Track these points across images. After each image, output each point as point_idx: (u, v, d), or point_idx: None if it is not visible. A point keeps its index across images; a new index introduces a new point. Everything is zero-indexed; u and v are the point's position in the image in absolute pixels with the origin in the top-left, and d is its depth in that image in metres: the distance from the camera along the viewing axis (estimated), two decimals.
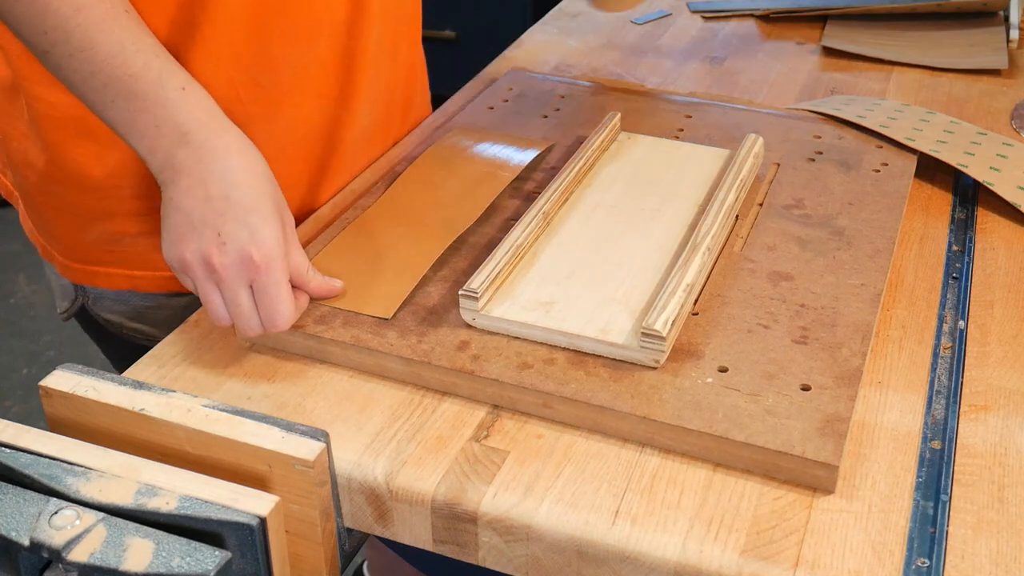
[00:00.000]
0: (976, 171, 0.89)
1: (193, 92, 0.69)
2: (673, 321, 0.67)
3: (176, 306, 0.86)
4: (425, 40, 1.01)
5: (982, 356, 0.71)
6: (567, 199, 0.83)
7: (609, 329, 0.68)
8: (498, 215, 0.83)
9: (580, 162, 0.86)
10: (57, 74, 0.69)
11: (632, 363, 0.67)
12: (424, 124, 1.01)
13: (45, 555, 0.50)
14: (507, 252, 0.73)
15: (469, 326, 0.70)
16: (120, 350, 0.91)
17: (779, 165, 0.90)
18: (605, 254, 0.76)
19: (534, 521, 0.59)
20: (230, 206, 0.66)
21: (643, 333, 0.66)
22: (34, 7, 0.66)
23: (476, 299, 0.69)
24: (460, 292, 0.69)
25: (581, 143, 0.91)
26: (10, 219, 2.65)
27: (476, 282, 0.70)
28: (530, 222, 0.77)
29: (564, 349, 0.68)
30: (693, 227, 0.79)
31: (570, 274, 0.74)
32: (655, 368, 0.66)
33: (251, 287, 0.66)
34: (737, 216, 0.82)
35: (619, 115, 0.94)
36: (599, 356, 0.67)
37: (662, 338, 0.65)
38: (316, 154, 0.87)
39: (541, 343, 0.68)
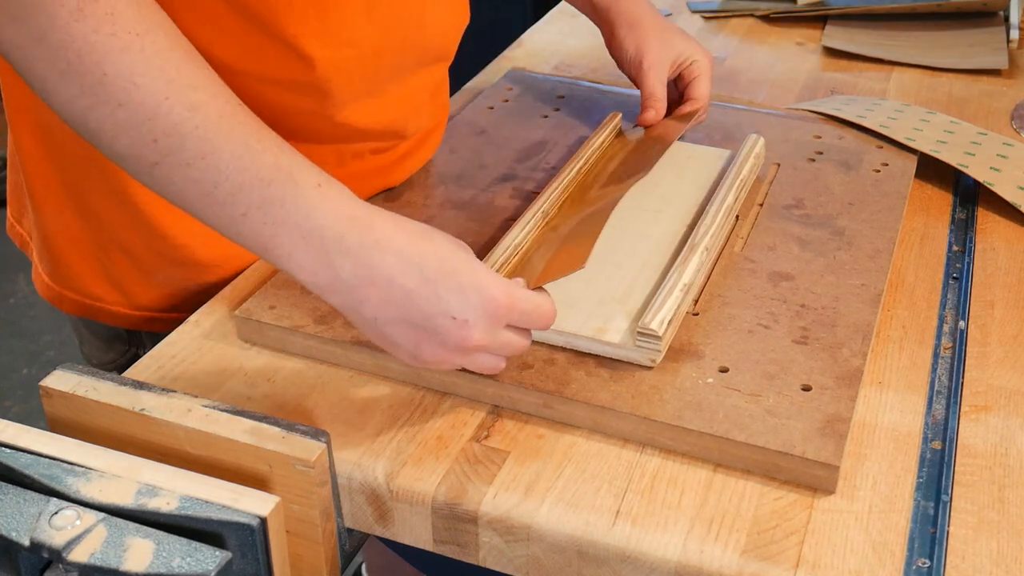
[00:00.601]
0: (976, 171, 0.89)
1: (329, 187, 0.60)
2: (669, 321, 0.67)
3: None
4: None
5: (982, 356, 0.71)
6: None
7: (606, 328, 0.68)
8: (497, 215, 0.83)
9: (580, 162, 0.86)
10: (167, 190, 0.59)
11: (629, 363, 0.66)
12: None
13: (45, 555, 0.50)
14: (505, 251, 0.73)
15: None
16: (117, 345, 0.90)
17: (779, 165, 0.90)
18: (605, 254, 0.76)
19: (534, 521, 0.59)
20: (437, 288, 0.59)
21: (639, 332, 0.66)
22: (141, 112, 0.56)
23: None
24: None
25: (582, 143, 0.91)
26: None
27: None
28: (529, 221, 0.77)
29: (563, 349, 0.68)
30: (693, 227, 0.79)
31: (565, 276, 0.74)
32: (652, 368, 0.66)
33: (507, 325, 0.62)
34: (737, 216, 0.82)
35: (620, 115, 0.94)
36: (597, 356, 0.67)
37: (658, 337, 0.65)
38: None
39: (540, 343, 0.68)
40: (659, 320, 0.66)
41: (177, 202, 0.59)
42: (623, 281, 0.73)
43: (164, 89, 0.56)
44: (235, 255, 0.79)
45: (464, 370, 0.65)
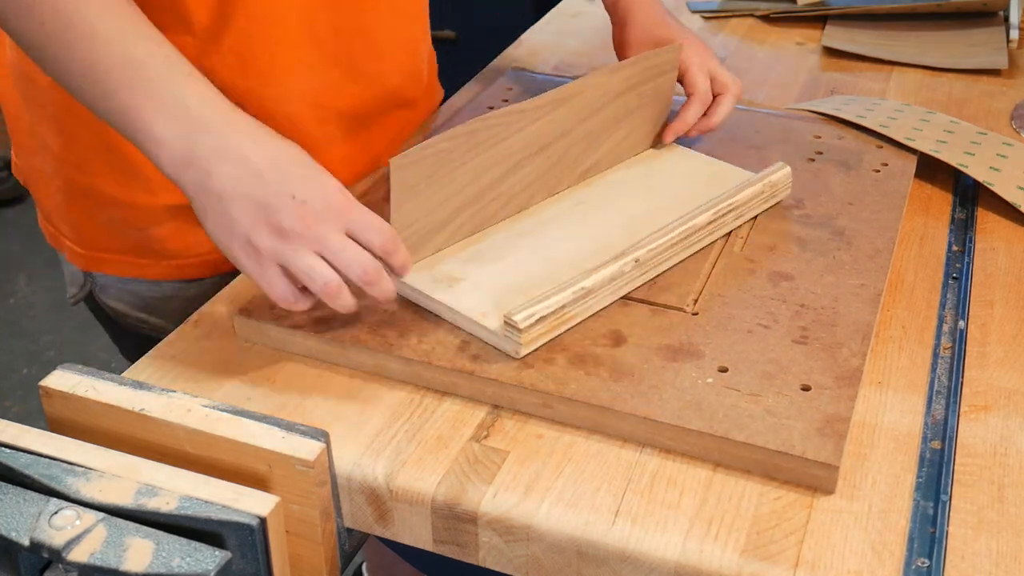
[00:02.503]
0: (976, 171, 0.89)
1: (198, 77, 0.66)
2: (542, 317, 0.67)
3: (184, 297, 0.86)
4: None
5: (982, 356, 0.71)
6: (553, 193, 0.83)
7: (490, 314, 0.69)
8: None
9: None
10: (54, 70, 0.66)
11: (504, 352, 0.67)
12: (424, 124, 1.01)
13: (45, 555, 0.50)
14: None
15: None
16: (127, 339, 0.91)
17: None
18: (544, 247, 0.77)
19: (534, 521, 0.59)
20: (286, 172, 0.64)
21: (504, 322, 0.66)
22: None
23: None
24: None
25: None
26: (10, 219, 2.65)
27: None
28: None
29: (563, 349, 0.68)
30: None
31: (497, 259, 0.75)
32: (518, 358, 0.67)
33: (344, 232, 0.65)
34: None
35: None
36: (597, 356, 0.67)
37: (519, 330, 0.66)
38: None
39: (451, 324, 0.70)
40: (526, 314, 0.66)
41: (64, 83, 0.66)
42: (542, 274, 0.73)
43: None
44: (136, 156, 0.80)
45: (422, 361, 0.66)
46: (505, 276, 0.73)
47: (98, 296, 0.89)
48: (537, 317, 0.66)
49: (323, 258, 0.64)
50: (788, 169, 0.84)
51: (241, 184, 0.64)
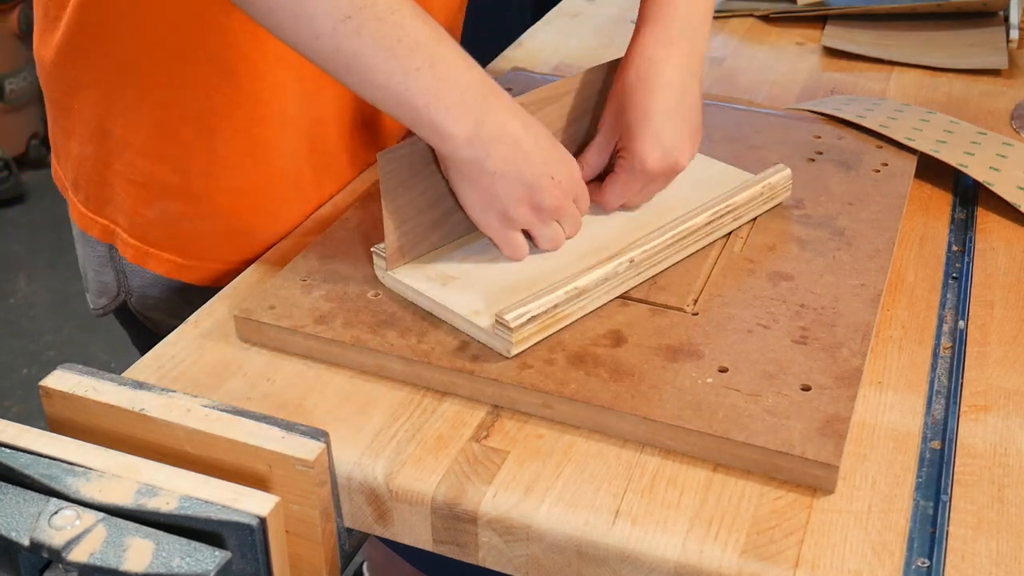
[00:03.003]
0: (976, 171, 0.89)
1: (470, 58, 0.70)
2: (534, 316, 0.67)
3: None
4: None
5: (982, 356, 0.71)
6: None
7: (483, 313, 0.69)
8: None
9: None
10: (347, 47, 0.65)
11: (496, 351, 0.68)
12: None
13: (45, 555, 0.50)
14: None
15: None
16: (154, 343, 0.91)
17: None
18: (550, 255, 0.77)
19: (534, 521, 0.59)
20: (546, 154, 0.71)
21: (496, 321, 0.66)
22: None
23: (382, 258, 0.73)
24: (372, 248, 0.73)
25: None
26: (10, 219, 2.65)
27: (384, 247, 0.73)
28: None
29: (563, 348, 0.68)
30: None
31: (492, 258, 0.75)
32: (510, 357, 0.67)
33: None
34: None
35: None
36: (597, 355, 0.67)
37: (510, 329, 0.66)
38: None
39: (436, 317, 0.71)
40: (517, 313, 0.66)
41: (345, 62, 0.65)
42: (537, 273, 0.73)
43: None
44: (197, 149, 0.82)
45: (422, 361, 0.66)
46: (499, 275, 0.73)
47: (133, 306, 0.89)
48: (528, 316, 0.67)
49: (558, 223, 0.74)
50: (788, 171, 0.83)
51: (512, 165, 0.70)
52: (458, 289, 0.72)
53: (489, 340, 0.68)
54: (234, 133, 0.80)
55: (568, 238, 0.76)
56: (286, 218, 0.85)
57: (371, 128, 0.92)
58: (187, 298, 0.86)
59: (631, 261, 0.73)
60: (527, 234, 0.75)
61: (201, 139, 0.80)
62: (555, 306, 0.68)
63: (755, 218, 0.82)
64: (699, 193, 0.82)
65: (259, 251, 0.84)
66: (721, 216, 0.79)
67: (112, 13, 0.77)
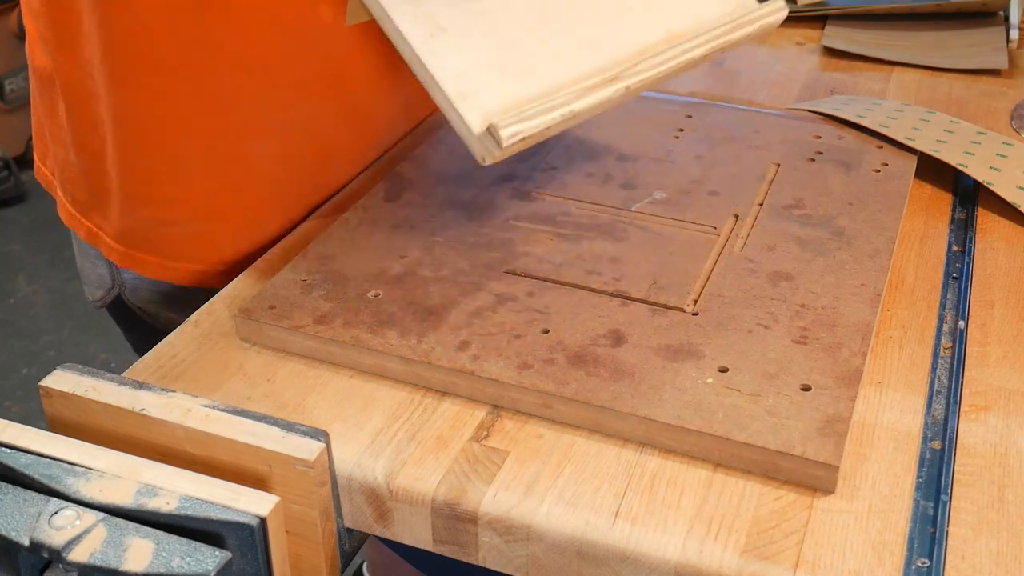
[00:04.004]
0: (976, 171, 0.89)
1: None
2: (524, 138, 0.64)
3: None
4: None
5: (982, 356, 0.71)
6: None
7: (471, 97, 0.64)
8: (498, 215, 0.83)
9: None
10: None
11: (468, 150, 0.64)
12: (425, 124, 1.01)
13: (45, 555, 0.50)
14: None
15: (469, 326, 0.70)
16: (151, 337, 0.92)
17: (779, 165, 0.90)
18: (545, 28, 0.71)
19: (534, 521, 0.59)
20: None
21: (487, 130, 0.63)
22: None
23: None
24: None
25: (582, 139, 0.91)
26: (10, 219, 2.65)
27: None
28: None
29: (563, 349, 0.68)
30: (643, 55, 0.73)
31: (486, 12, 0.68)
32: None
33: None
34: (736, 216, 0.81)
35: None
36: (596, 357, 0.67)
37: (499, 144, 0.62)
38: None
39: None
40: (513, 131, 0.63)
41: None
42: (532, 59, 0.68)
43: None
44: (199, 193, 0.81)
45: (422, 361, 0.66)
46: (491, 36, 0.66)
47: (127, 298, 0.90)
48: (521, 137, 0.63)
49: None
50: (786, 11, 0.81)
51: None
52: (446, 47, 0.64)
53: (465, 135, 0.63)
54: (199, 140, 0.80)
55: None
56: (264, 219, 0.85)
57: (358, 132, 0.91)
58: (179, 292, 0.87)
59: (627, 88, 0.69)
60: None
61: (166, 148, 0.80)
62: (547, 128, 0.65)
63: (756, 216, 0.82)
64: (701, 11, 0.78)
65: (242, 252, 0.84)
66: (718, 50, 0.77)
67: (81, 20, 0.76)
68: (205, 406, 0.60)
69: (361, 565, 1.49)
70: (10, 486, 0.53)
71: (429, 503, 0.60)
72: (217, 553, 0.50)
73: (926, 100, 1.08)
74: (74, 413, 0.62)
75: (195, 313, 0.75)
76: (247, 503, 0.53)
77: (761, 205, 0.84)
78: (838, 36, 1.22)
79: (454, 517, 0.60)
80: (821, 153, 0.92)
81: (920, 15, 1.25)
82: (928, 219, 0.86)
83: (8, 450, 0.55)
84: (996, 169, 0.90)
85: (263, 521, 0.52)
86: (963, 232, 0.85)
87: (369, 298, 0.73)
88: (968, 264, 0.81)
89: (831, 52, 1.19)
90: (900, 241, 0.83)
